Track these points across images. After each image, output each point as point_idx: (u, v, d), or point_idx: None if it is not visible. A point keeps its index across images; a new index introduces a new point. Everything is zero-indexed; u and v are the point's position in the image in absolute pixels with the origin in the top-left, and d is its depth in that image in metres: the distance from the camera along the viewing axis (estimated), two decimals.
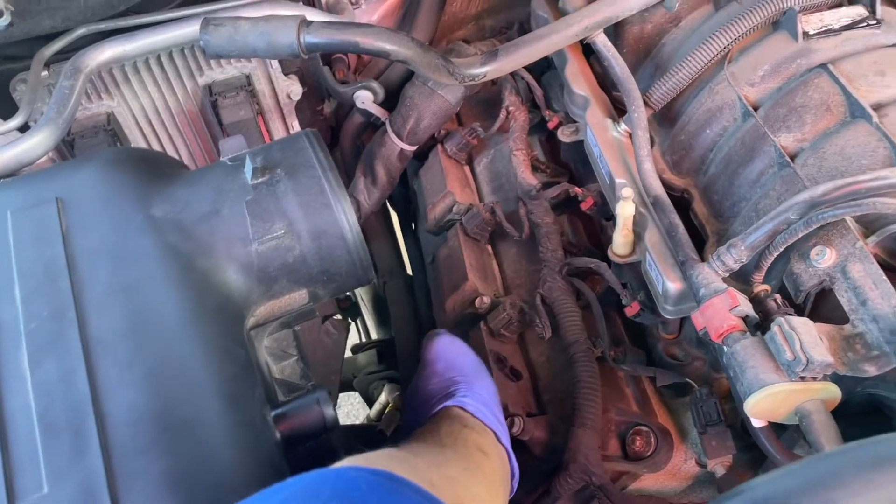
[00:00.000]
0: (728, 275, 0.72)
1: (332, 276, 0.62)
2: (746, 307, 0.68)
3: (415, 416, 0.79)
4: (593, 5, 0.91)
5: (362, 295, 1.65)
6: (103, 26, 0.98)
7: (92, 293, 0.53)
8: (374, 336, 1.66)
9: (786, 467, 0.36)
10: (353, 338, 1.68)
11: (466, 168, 1.18)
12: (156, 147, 1.13)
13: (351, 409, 2.47)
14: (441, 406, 0.75)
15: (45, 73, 0.99)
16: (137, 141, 1.11)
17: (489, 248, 1.07)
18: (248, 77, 1.11)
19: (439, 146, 1.16)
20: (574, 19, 0.90)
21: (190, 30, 0.99)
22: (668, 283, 0.78)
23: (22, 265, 0.54)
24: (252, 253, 0.59)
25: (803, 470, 0.36)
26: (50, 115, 0.87)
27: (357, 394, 1.53)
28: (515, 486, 0.77)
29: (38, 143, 0.85)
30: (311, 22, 0.78)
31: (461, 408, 0.75)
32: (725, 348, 0.67)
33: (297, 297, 0.62)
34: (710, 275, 0.71)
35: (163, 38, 0.99)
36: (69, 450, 0.46)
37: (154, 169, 0.63)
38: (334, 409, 0.56)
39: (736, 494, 0.35)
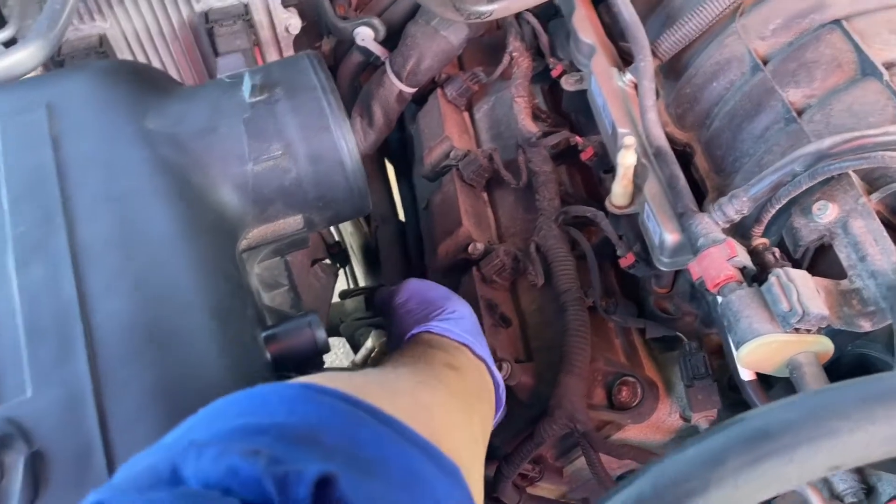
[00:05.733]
0: (728, 226, 0.71)
1: (329, 203, 0.61)
2: (744, 258, 0.67)
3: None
4: None
5: (352, 242, 1.63)
6: None
7: (81, 200, 0.51)
8: (362, 284, 1.66)
9: (785, 399, 0.36)
10: (342, 284, 1.67)
11: (466, 114, 1.16)
12: None
13: (335, 360, 2.48)
14: (408, 335, 0.74)
15: None
16: None
17: (485, 195, 1.06)
18: (245, 6, 1.08)
19: (439, 90, 1.14)
20: None
21: None
22: (665, 233, 0.77)
23: (10, 170, 0.52)
24: (248, 172, 0.57)
25: (803, 402, 0.35)
26: (40, 31, 0.83)
27: (342, 345, 1.53)
28: (503, 396, 0.76)
29: (25, 57, 0.81)
30: None
31: (429, 332, 0.73)
32: (720, 298, 0.67)
33: (292, 223, 0.61)
34: (709, 225, 0.70)
35: None
36: (55, 354, 0.45)
37: (149, 82, 0.61)
38: (326, 334, 0.55)
39: (735, 422, 0.35)
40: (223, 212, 0.57)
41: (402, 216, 1.30)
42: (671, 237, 0.77)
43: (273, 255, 0.67)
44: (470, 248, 0.94)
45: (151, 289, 0.49)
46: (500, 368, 0.82)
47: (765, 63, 0.83)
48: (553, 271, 0.87)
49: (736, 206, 0.69)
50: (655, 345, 0.90)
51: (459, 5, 0.83)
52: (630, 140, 0.80)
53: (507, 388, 0.84)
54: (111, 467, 0.42)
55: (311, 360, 0.55)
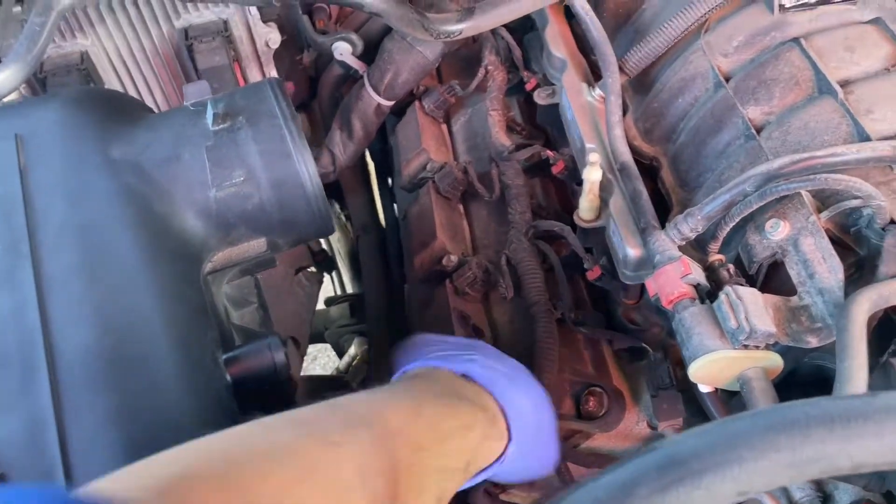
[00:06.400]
0: (684, 243, 0.73)
1: (292, 226, 0.63)
2: (698, 275, 0.69)
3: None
4: None
5: (339, 248, 1.66)
6: None
7: (46, 230, 0.53)
8: (349, 290, 1.68)
9: (698, 427, 0.38)
10: (329, 290, 1.69)
11: (443, 126, 1.18)
12: (130, 89, 1.12)
13: (328, 362, 2.50)
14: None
15: (17, 8, 0.98)
16: (111, 82, 1.10)
17: (461, 207, 1.08)
18: (225, 22, 1.09)
19: (417, 102, 1.16)
20: None
21: None
22: (628, 248, 0.79)
23: None
24: (210, 199, 0.59)
25: (714, 430, 0.37)
26: (19, 52, 0.85)
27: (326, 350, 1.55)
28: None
29: (5, 79, 0.83)
30: None
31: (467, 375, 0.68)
32: (675, 315, 0.69)
33: (256, 245, 0.63)
34: (665, 242, 0.72)
35: None
36: (18, 382, 0.47)
37: (117, 110, 0.63)
38: (286, 356, 0.57)
39: (650, 450, 0.37)
40: (187, 237, 0.59)
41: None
42: (634, 252, 0.79)
43: (241, 274, 0.69)
44: (444, 261, 0.96)
45: (114, 316, 0.51)
46: None
47: (727, 80, 0.85)
48: (523, 283, 0.89)
49: (690, 225, 0.71)
50: (623, 355, 0.92)
51: (429, 25, 0.85)
52: (594, 156, 0.81)
53: None
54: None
55: (273, 380, 0.57)
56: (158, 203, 0.57)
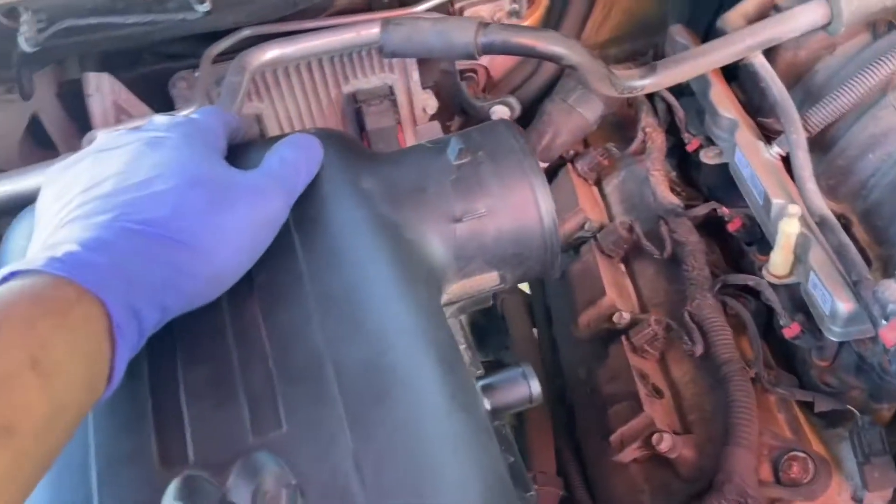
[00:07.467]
0: None
1: (523, 260, 0.63)
2: None
3: None
4: (757, 25, 0.91)
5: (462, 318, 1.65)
6: (265, 29, 1.02)
7: (314, 255, 0.54)
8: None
9: None
10: None
11: (594, 188, 1.18)
12: None
13: None
14: None
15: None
16: None
17: (622, 266, 1.06)
18: (390, 87, 1.14)
19: (569, 164, 1.17)
20: (736, 38, 0.91)
21: (347, 36, 1.03)
22: (838, 302, 0.76)
23: None
24: (454, 230, 0.60)
25: None
26: (223, 106, 0.91)
27: None
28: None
29: None
30: (489, 24, 0.80)
31: None
32: None
33: (488, 279, 0.62)
34: None
35: (320, 43, 1.03)
36: (307, 394, 0.46)
37: (356, 148, 0.65)
38: (539, 385, 0.56)
39: None
40: (432, 266, 0.59)
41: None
42: (845, 306, 0.75)
43: (457, 312, 0.69)
44: (615, 318, 0.94)
45: (383, 334, 0.51)
46: (660, 440, 0.81)
47: None
48: (711, 341, 0.86)
49: None
50: (817, 420, 0.87)
51: (615, 80, 0.86)
52: (794, 209, 0.80)
53: (667, 461, 0.82)
54: None
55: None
56: (407, 231, 0.58)
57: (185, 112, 0.90)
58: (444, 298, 0.61)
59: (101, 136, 0.58)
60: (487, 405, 0.53)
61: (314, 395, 0.46)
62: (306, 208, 0.57)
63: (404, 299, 0.53)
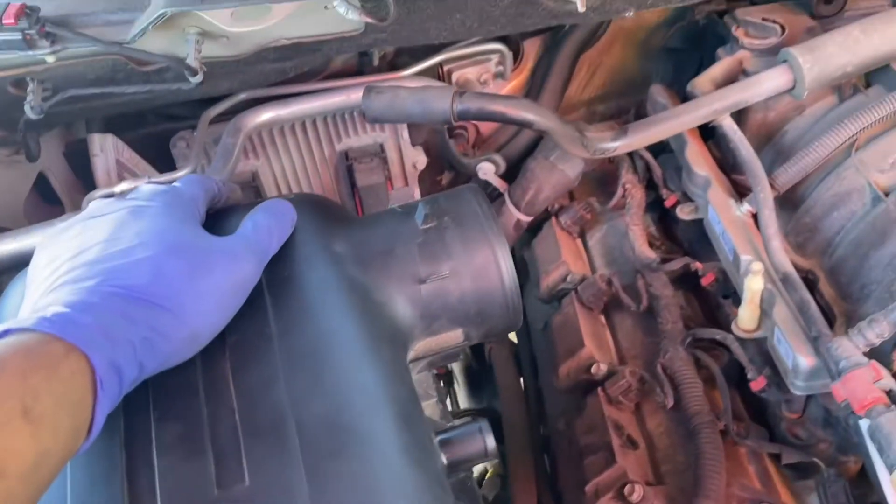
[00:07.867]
0: (868, 350, 0.72)
1: (486, 318, 0.66)
2: (890, 381, 0.68)
3: None
4: (724, 90, 0.96)
5: (453, 365, 1.67)
6: (261, 92, 1.08)
7: (284, 314, 0.58)
8: (463, 406, 1.68)
9: None
10: None
11: (578, 241, 1.22)
12: None
13: None
14: None
15: None
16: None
17: (602, 318, 1.09)
18: (381, 145, 1.19)
19: (553, 218, 1.21)
20: (704, 102, 0.95)
21: (338, 99, 1.09)
22: (799, 357, 0.78)
23: None
24: (419, 291, 0.63)
25: None
26: (217, 167, 0.96)
27: None
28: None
29: None
30: (465, 92, 0.85)
31: None
32: (867, 421, 0.67)
33: (453, 336, 0.66)
34: (850, 348, 0.71)
35: (313, 106, 1.08)
36: (269, 449, 0.50)
37: (331, 212, 0.69)
38: (494, 441, 0.59)
39: None
40: (398, 325, 0.62)
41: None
42: (806, 361, 0.78)
43: (427, 367, 0.72)
44: (593, 369, 0.97)
45: (345, 391, 0.54)
46: (632, 491, 0.83)
47: (886, 194, 0.86)
48: (682, 393, 0.89)
49: (876, 331, 0.71)
50: (787, 472, 0.88)
51: (586, 142, 0.91)
52: (758, 266, 0.83)
53: None
54: None
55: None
56: (375, 292, 0.62)
57: (178, 174, 0.96)
58: (411, 355, 0.65)
59: (92, 204, 0.63)
60: (444, 460, 0.57)
61: (276, 449, 0.50)
62: (279, 269, 0.61)
63: (367, 357, 0.56)
